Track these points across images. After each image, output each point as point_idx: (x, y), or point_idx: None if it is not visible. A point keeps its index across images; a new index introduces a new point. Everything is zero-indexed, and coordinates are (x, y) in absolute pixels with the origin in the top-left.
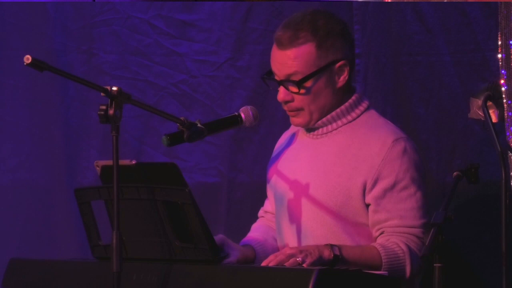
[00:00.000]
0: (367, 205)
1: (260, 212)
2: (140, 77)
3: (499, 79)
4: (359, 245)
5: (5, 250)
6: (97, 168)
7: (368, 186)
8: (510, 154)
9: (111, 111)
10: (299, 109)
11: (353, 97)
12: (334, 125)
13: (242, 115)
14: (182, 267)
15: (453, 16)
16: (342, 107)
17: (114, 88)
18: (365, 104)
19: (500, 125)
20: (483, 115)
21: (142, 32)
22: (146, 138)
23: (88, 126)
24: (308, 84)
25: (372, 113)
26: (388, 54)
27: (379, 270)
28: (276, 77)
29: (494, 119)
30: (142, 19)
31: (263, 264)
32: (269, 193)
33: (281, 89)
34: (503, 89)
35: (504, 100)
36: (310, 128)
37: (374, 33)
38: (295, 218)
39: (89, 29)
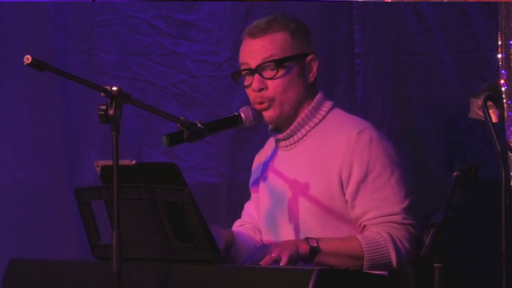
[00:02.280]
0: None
1: (237, 223)
2: (140, 77)
3: (499, 79)
4: (339, 237)
5: (5, 250)
6: (97, 168)
7: (344, 183)
8: (510, 154)
9: (111, 111)
10: (271, 100)
11: (316, 98)
12: (303, 130)
13: (242, 115)
14: (182, 267)
15: (453, 16)
16: (306, 110)
17: (114, 88)
18: (328, 104)
19: (500, 125)
20: (483, 115)
21: (142, 32)
22: (146, 138)
23: (88, 126)
24: (283, 70)
25: (337, 111)
26: (388, 54)
27: (362, 260)
28: (247, 67)
29: (494, 119)
30: (142, 19)
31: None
32: (252, 206)
33: (255, 78)
34: (503, 89)
35: (504, 100)
36: (280, 139)
37: (374, 33)
38: (287, 229)
39: (89, 29)
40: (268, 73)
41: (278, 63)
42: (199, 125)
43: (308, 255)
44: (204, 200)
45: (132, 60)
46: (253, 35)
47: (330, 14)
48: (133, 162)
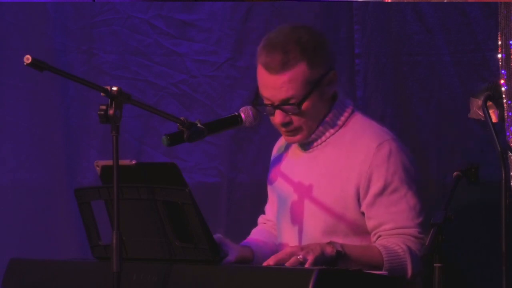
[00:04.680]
0: (363, 214)
1: (260, 219)
2: (140, 77)
3: (499, 79)
4: (360, 245)
5: (5, 250)
6: (97, 168)
7: (362, 195)
8: (510, 154)
9: (111, 111)
10: (298, 128)
11: (336, 103)
12: (323, 137)
13: (242, 115)
14: (182, 267)
15: (453, 16)
16: (327, 118)
17: (114, 88)
18: (349, 109)
19: (500, 125)
20: (483, 115)
21: (142, 32)
22: (146, 138)
23: (88, 126)
24: (305, 104)
25: (357, 117)
26: (388, 54)
27: (381, 269)
28: (268, 101)
29: (494, 119)
30: (142, 19)
31: (264, 264)
32: (270, 202)
33: (278, 112)
34: (503, 89)
35: (504, 100)
36: (302, 144)
37: (374, 33)
38: (294, 231)
39: (89, 29)
40: (290, 110)
41: (300, 104)
42: (199, 125)
43: (334, 258)
44: (204, 200)
45: (132, 60)
46: (271, 70)
47: (330, 14)
48: (133, 162)
